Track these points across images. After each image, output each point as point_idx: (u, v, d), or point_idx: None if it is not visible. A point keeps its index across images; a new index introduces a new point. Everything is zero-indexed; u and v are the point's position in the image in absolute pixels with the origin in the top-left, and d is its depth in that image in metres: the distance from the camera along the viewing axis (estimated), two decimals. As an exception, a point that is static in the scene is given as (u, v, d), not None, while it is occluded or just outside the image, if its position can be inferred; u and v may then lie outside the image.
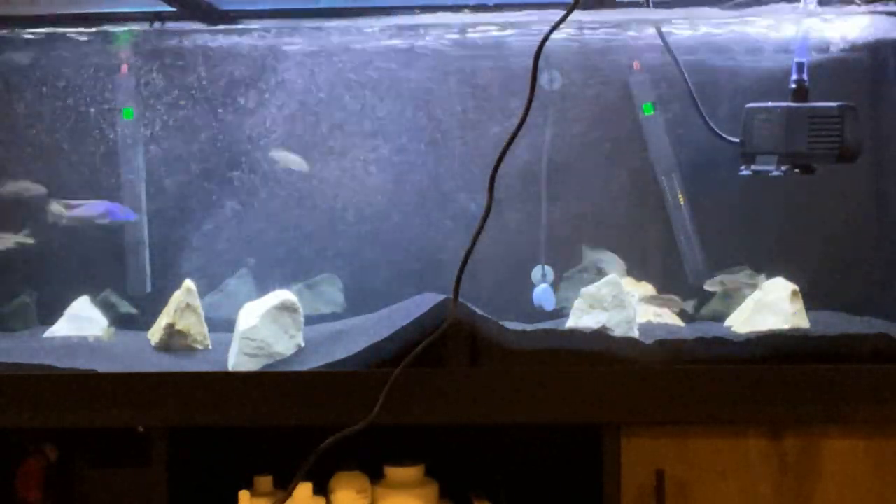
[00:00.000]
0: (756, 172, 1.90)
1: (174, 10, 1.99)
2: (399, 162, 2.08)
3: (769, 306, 1.85)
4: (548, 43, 1.62)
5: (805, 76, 1.87)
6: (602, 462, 1.64)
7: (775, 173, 1.85)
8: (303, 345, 1.79)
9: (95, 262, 2.09)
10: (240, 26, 2.00)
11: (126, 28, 2.01)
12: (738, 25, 1.92)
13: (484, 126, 2.06)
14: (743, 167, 1.92)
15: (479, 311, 1.70)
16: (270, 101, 2.07)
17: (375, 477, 1.76)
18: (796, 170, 1.85)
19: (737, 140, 1.94)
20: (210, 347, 1.87)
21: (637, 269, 2.03)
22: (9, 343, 1.91)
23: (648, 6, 1.88)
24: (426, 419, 1.65)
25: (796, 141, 1.83)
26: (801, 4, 1.82)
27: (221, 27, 1.99)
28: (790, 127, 1.84)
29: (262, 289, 1.99)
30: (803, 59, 1.88)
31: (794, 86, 1.88)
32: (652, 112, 2.04)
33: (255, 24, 2.02)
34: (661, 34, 1.94)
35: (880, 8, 1.81)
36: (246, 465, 1.76)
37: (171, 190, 2.10)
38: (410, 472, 1.76)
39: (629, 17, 1.92)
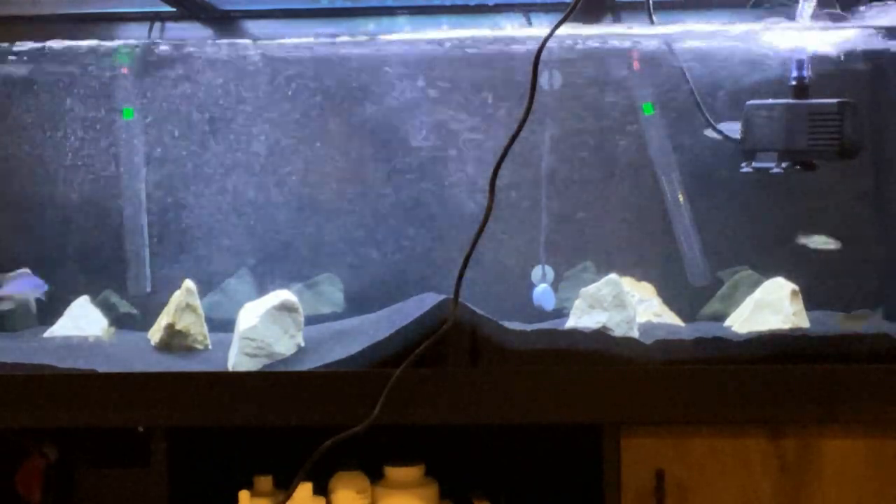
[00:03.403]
0: (757, 170, 1.90)
1: (174, 10, 1.99)
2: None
3: (769, 306, 1.86)
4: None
5: (805, 73, 1.87)
6: (602, 462, 1.64)
7: (776, 170, 1.85)
8: (303, 345, 1.79)
9: (95, 262, 2.09)
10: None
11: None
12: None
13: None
14: (744, 164, 1.92)
15: (479, 312, 1.70)
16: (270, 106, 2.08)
17: (375, 477, 1.76)
18: (797, 167, 1.85)
19: (737, 137, 1.94)
20: (210, 347, 1.88)
21: (637, 269, 2.03)
22: (9, 343, 1.91)
23: (650, 16, 1.89)
24: (426, 419, 1.65)
25: (796, 138, 1.83)
26: (799, 7, 1.82)
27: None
28: (790, 124, 1.83)
29: (262, 289, 2.00)
30: (803, 57, 1.88)
31: (794, 83, 1.88)
32: (652, 112, 2.03)
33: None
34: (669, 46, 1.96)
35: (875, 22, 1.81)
36: (246, 465, 1.76)
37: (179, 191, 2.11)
38: (410, 472, 1.76)
39: (629, 32, 1.93)
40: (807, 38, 1.85)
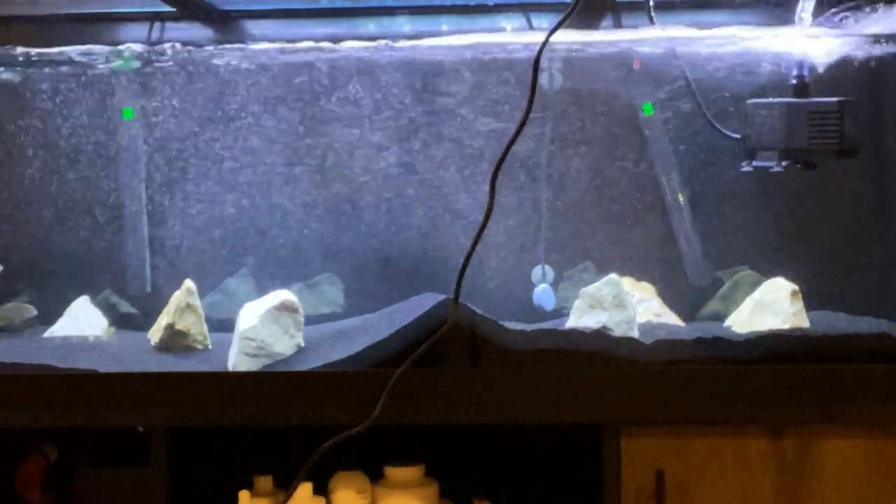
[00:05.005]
0: (757, 169, 1.90)
1: (174, 10, 1.99)
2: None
3: (769, 306, 1.85)
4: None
5: (805, 72, 1.87)
6: (602, 462, 1.64)
7: (776, 169, 1.85)
8: (303, 345, 1.79)
9: (95, 262, 2.09)
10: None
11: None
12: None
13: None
14: (744, 163, 1.92)
15: (479, 312, 1.70)
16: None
17: (375, 477, 1.76)
18: (797, 165, 1.85)
19: (738, 136, 1.94)
20: (210, 347, 1.88)
21: (637, 269, 2.03)
22: (9, 343, 1.91)
23: (651, 20, 1.89)
24: (426, 419, 1.65)
25: (796, 136, 1.83)
26: (799, 8, 1.82)
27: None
28: (790, 122, 1.84)
29: (262, 289, 2.00)
30: (803, 56, 1.88)
31: (794, 81, 1.88)
32: (652, 112, 2.03)
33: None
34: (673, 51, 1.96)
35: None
36: (246, 465, 1.76)
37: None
38: (410, 472, 1.76)
39: (630, 37, 1.93)
40: (807, 39, 1.85)
